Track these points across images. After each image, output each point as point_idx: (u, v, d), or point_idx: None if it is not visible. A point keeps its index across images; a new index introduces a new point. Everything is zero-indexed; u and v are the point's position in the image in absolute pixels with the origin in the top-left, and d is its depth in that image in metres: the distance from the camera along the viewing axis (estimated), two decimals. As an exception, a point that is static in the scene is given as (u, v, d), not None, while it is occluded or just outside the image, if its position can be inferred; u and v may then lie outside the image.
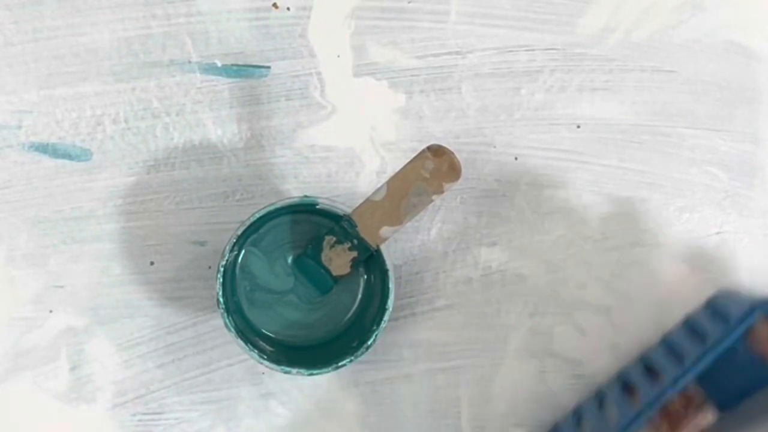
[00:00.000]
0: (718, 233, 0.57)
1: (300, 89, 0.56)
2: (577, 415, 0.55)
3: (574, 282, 0.57)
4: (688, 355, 0.50)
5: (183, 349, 0.56)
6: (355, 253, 0.51)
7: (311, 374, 0.50)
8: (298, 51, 0.56)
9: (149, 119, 0.56)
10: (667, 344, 0.54)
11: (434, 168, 0.49)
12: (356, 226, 0.50)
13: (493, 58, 0.57)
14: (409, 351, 0.57)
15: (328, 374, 0.50)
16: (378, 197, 0.49)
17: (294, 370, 0.50)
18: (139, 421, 0.56)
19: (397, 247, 0.56)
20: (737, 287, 0.57)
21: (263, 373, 0.56)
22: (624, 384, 0.54)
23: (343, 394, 0.57)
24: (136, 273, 0.56)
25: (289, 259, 0.53)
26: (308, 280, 0.53)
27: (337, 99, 0.56)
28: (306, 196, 0.50)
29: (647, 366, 0.54)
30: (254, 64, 0.56)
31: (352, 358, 0.50)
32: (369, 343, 0.50)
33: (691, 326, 0.54)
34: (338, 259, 0.52)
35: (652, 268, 0.57)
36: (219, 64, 0.56)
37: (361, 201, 0.50)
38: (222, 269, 0.50)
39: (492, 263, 0.57)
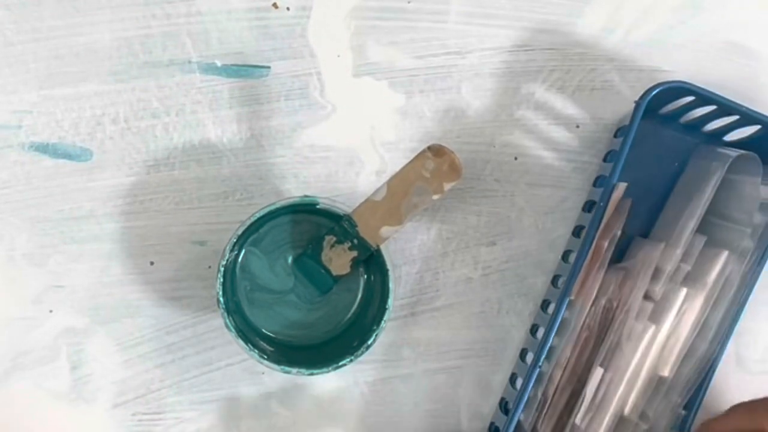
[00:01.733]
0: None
1: (300, 89, 0.56)
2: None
3: (574, 282, 0.57)
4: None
5: (183, 349, 0.56)
6: (355, 253, 0.51)
7: (311, 374, 0.50)
8: (298, 51, 0.56)
9: (149, 119, 0.56)
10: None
11: (435, 168, 0.49)
12: (356, 226, 0.50)
13: (493, 58, 0.57)
14: (409, 351, 0.57)
15: (328, 374, 0.50)
16: (378, 197, 0.49)
17: (294, 370, 0.50)
18: (139, 421, 0.56)
19: (397, 247, 0.56)
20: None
21: (263, 373, 0.56)
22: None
23: (343, 394, 0.57)
24: (136, 273, 0.56)
25: (289, 259, 0.53)
26: (308, 280, 0.53)
27: (337, 99, 0.56)
28: (306, 196, 0.50)
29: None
30: (254, 64, 0.56)
31: (352, 357, 0.50)
32: (369, 342, 0.50)
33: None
34: (338, 259, 0.52)
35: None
36: (219, 64, 0.56)
37: (361, 201, 0.50)
38: (222, 269, 0.50)
39: (492, 263, 0.57)
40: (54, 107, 0.55)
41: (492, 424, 0.56)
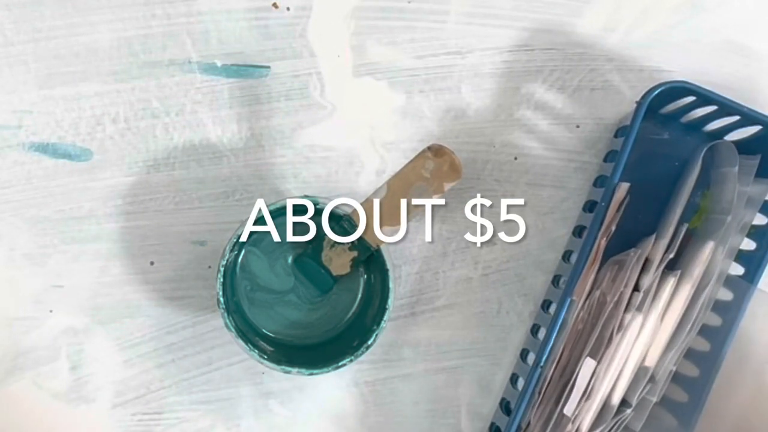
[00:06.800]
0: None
1: (300, 89, 0.56)
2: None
3: (574, 282, 0.57)
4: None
5: (183, 349, 0.56)
6: (355, 253, 0.51)
7: (311, 374, 0.50)
8: (298, 51, 0.56)
9: (149, 119, 0.56)
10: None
11: (435, 168, 0.49)
12: (356, 226, 0.50)
13: (493, 58, 0.57)
14: (409, 351, 0.57)
15: (328, 374, 0.50)
16: (378, 197, 0.49)
17: (294, 370, 0.50)
18: (139, 421, 0.56)
19: (397, 247, 0.56)
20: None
21: (263, 373, 0.56)
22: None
23: (343, 394, 0.57)
24: (136, 273, 0.56)
25: (289, 259, 0.53)
26: (308, 279, 0.53)
27: (337, 99, 0.56)
28: (306, 196, 0.50)
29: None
30: (254, 64, 0.56)
31: (352, 357, 0.50)
32: (369, 342, 0.50)
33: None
34: (338, 259, 0.52)
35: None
36: (219, 64, 0.56)
37: (361, 201, 0.50)
38: (222, 269, 0.50)
39: (492, 263, 0.57)
40: (54, 107, 0.55)
41: (493, 424, 0.56)
